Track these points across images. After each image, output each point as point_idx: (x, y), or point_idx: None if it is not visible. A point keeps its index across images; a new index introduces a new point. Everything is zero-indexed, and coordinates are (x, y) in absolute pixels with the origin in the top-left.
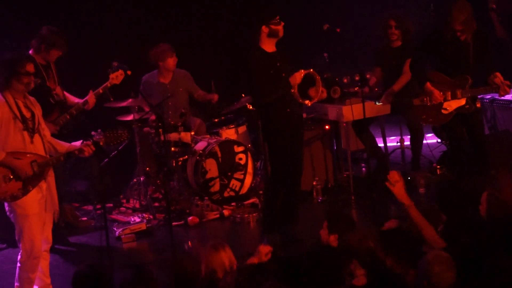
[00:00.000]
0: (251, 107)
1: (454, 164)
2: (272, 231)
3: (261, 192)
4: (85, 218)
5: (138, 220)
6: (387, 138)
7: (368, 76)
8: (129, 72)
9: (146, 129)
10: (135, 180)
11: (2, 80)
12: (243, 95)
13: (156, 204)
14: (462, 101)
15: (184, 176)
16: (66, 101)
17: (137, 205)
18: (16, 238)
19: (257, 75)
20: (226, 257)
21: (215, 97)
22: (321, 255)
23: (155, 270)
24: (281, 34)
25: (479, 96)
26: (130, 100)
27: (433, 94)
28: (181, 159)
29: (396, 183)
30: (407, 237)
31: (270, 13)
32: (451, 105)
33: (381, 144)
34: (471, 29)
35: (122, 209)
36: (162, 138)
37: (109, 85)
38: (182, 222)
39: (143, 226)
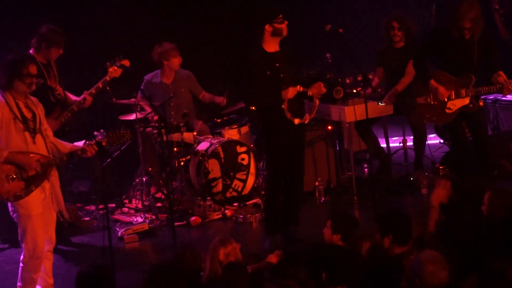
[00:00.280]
0: (253, 108)
1: (456, 164)
2: (274, 231)
3: (263, 192)
4: (87, 218)
5: (140, 220)
6: (389, 139)
7: (370, 76)
8: (127, 63)
9: (148, 129)
10: (137, 180)
11: (4, 81)
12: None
13: (159, 204)
14: (466, 100)
15: (186, 176)
16: (67, 99)
17: (140, 206)
18: (19, 238)
19: (250, 77)
20: (233, 253)
21: (224, 101)
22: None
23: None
24: (285, 33)
25: (481, 97)
26: (132, 99)
27: (438, 91)
28: (183, 159)
29: (445, 192)
30: (406, 219)
31: (274, 11)
32: (455, 104)
33: (383, 145)
34: (479, 27)
35: (125, 209)
36: (164, 138)
37: (108, 79)
38: (184, 222)
39: (146, 227)
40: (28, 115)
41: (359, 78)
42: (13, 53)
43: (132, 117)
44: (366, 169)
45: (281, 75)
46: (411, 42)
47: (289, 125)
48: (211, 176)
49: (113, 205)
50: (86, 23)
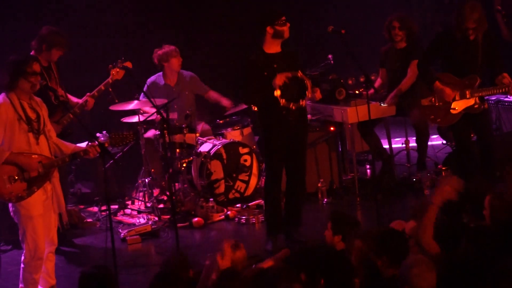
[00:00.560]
0: (256, 109)
1: (459, 165)
2: (275, 233)
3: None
4: (90, 220)
5: (143, 221)
6: (392, 140)
7: (373, 77)
8: (130, 65)
9: (148, 134)
10: (140, 181)
11: (8, 81)
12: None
13: (161, 205)
14: (471, 101)
15: (189, 177)
16: (68, 101)
17: (142, 207)
18: (20, 238)
19: (248, 76)
20: (242, 257)
21: (230, 105)
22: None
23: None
24: (286, 35)
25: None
26: (135, 102)
27: (444, 92)
28: (186, 160)
29: (450, 190)
30: (402, 240)
31: (276, 13)
32: (460, 105)
33: (386, 146)
34: (483, 28)
35: (127, 210)
36: (167, 139)
37: (110, 81)
38: (187, 223)
39: (148, 228)
40: (32, 115)
41: (362, 79)
42: (15, 53)
43: (135, 119)
44: (368, 170)
45: None
46: (413, 42)
47: (288, 125)
48: (213, 177)
49: (116, 206)
50: (88, 24)
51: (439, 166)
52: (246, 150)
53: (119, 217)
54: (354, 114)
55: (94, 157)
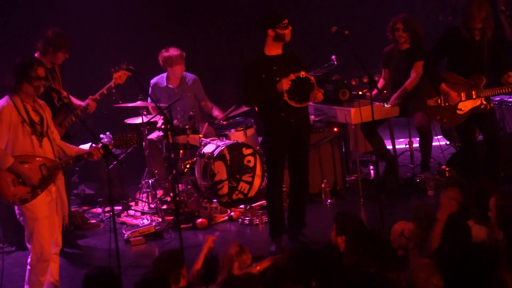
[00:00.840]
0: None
1: (464, 166)
2: (278, 234)
3: None
4: (94, 221)
5: (147, 222)
6: (395, 140)
7: (376, 78)
8: (123, 66)
9: (151, 136)
10: (143, 182)
11: (13, 84)
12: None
13: (165, 206)
14: (477, 101)
15: (192, 178)
16: (71, 103)
17: (146, 208)
18: (26, 240)
19: (248, 78)
20: (246, 259)
21: (220, 117)
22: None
23: None
24: (287, 38)
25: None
26: (139, 102)
27: (449, 95)
28: (189, 161)
29: (454, 203)
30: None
31: (278, 16)
32: (466, 105)
33: (389, 146)
34: (490, 28)
35: (131, 212)
36: (170, 141)
37: (113, 85)
38: (190, 224)
39: (152, 229)
40: (36, 118)
41: (365, 80)
42: (21, 56)
43: (138, 120)
44: (372, 171)
45: (277, 78)
46: (417, 43)
47: (289, 126)
48: (217, 178)
49: (120, 207)
50: (91, 26)
51: (442, 167)
52: (249, 151)
53: (123, 218)
54: (357, 115)
55: (97, 159)
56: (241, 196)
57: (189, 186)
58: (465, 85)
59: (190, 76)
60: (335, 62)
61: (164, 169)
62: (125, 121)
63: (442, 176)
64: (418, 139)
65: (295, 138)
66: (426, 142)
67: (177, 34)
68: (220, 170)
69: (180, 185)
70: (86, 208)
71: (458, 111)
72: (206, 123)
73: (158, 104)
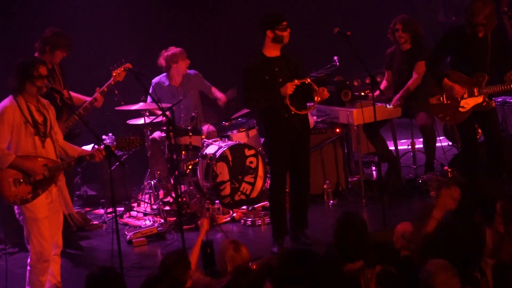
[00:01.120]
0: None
1: (465, 166)
2: (281, 236)
3: None
4: (96, 222)
5: (149, 223)
6: (398, 141)
7: (378, 79)
8: (129, 65)
9: (153, 135)
10: (146, 183)
11: (16, 84)
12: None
13: (167, 207)
14: (479, 99)
15: (194, 180)
16: (73, 102)
17: (148, 209)
18: (25, 241)
19: (249, 81)
20: (241, 259)
21: (222, 98)
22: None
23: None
24: (285, 40)
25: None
26: (141, 104)
27: (453, 88)
28: (192, 162)
29: (450, 201)
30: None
31: (277, 18)
32: (468, 103)
33: (392, 147)
34: (493, 25)
35: (133, 213)
36: (173, 142)
37: (112, 82)
38: (193, 225)
39: (154, 230)
40: (39, 119)
41: (367, 81)
42: (22, 56)
43: (141, 121)
44: (374, 172)
45: (280, 80)
46: (418, 44)
47: (291, 128)
48: (219, 179)
49: (122, 208)
50: (90, 26)
51: (445, 168)
52: (252, 152)
53: (125, 219)
54: (360, 115)
55: (99, 161)
56: (243, 197)
57: (191, 187)
58: (468, 83)
59: (191, 72)
60: (337, 63)
61: (167, 170)
62: (128, 122)
63: (445, 177)
64: (421, 139)
65: (296, 138)
66: (429, 142)
67: (178, 34)
68: (223, 171)
69: (182, 186)
70: (88, 209)
71: (460, 109)
72: (209, 124)
73: (159, 105)
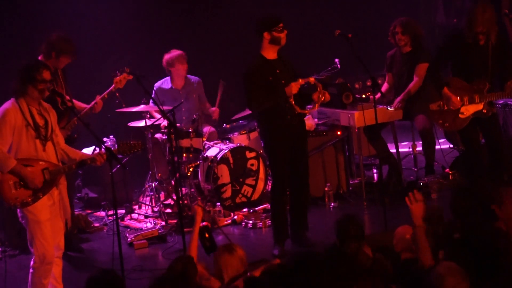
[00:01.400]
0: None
1: (469, 170)
2: (282, 239)
3: None
4: (97, 224)
5: (150, 226)
6: (399, 144)
7: (379, 81)
8: (127, 70)
9: (157, 135)
10: (147, 186)
11: (18, 87)
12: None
13: (168, 210)
14: (480, 106)
15: (196, 182)
16: (74, 106)
17: (149, 211)
18: (28, 243)
19: (252, 83)
20: (239, 260)
21: (215, 113)
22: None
23: None
24: (283, 42)
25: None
26: (142, 106)
27: (451, 99)
28: (193, 165)
29: (417, 202)
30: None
31: (273, 20)
32: (469, 110)
33: (393, 150)
34: (494, 32)
35: (134, 215)
36: (174, 144)
37: (113, 89)
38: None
39: (155, 232)
40: (41, 122)
41: (368, 83)
42: (26, 59)
43: (142, 123)
44: (375, 174)
45: (282, 81)
46: (418, 46)
47: (291, 130)
48: (220, 181)
49: (123, 211)
50: (92, 31)
51: (446, 170)
52: (253, 154)
53: (126, 222)
54: (361, 118)
55: (101, 165)
56: (244, 199)
57: (192, 190)
58: (469, 90)
59: (194, 79)
60: (339, 66)
61: (168, 172)
62: (129, 124)
63: (446, 179)
64: (421, 142)
65: (296, 141)
66: (428, 145)
67: (179, 36)
68: (224, 174)
69: (183, 188)
70: (89, 211)
71: (460, 115)
72: (210, 127)
73: (161, 108)
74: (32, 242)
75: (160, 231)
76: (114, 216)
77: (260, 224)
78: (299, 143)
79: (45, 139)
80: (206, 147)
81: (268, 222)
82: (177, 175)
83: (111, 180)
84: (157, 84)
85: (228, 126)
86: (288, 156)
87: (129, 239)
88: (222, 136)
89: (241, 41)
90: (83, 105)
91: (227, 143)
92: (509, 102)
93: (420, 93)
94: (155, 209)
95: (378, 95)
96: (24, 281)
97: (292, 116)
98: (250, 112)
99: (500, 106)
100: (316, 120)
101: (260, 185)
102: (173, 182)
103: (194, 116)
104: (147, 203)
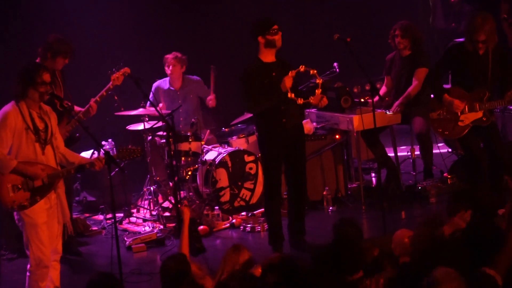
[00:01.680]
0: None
1: (468, 174)
2: (279, 241)
3: None
4: (95, 228)
5: (148, 229)
6: (397, 148)
7: (378, 85)
8: (128, 70)
9: (156, 138)
10: (145, 189)
11: (19, 90)
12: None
13: (167, 213)
14: (479, 114)
15: (194, 185)
16: (73, 108)
17: (148, 215)
18: (24, 246)
19: (250, 85)
20: (240, 260)
21: (212, 101)
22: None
23: None
24: (278, 44)
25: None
26: (140, 110)
27: (453, 103)
28: (191, 168)
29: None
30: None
31: (266, 23)
32: (468, 117)
33: (391, 154)
34: (494, 41)
35: (133, 219)
36: (172, 147)
37: (111, 86)
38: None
39: (154, 236)
40: (41, 125)
41: (367, 87)
42: (26, 62)
43: (140, 126)
44: (374, 178)
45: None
46: (418, 50)
47: (286, 133)
48: (219, 185)
49: (121, 214)
50: (91, 33)
51: (444, 174)
52: (251, 158)
53: (125, 225)
54: (360, 122)
55: (99, 170)
56: (242, 203)
57: (191, 193)
58: (468, 99)
59: (193, 79)
60: (337, 69)
61: (166, 176)
62: (127, 127)
63: (444, 183)
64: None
65: (292, 145)
66: (426, 149)
67: (179, 39)
68: (222, 177)
69: (182, 192)
70: (88, 215)
71: (460, 123)
72: (208, 130)
73: (159, 111)
74: (28, 245)
75: (158, 234)
76: (113, 220)
77: (258, 228)
78: (296, 147)
79: (45, 143)
80: (204, 150)
81: (266, 226)
82: (176, 178)
83: (109, 183)
84: (156, 84)
85: (226, 129)
86: (283, 160)
87: (127, 242)
88: (220, 139)
89: (241, 43)
90: (78, 109)
91: (226, 146)
92: (507, 106)
93: (419, 97)
94: (154, 213)
95: (376, 98)
96: (22, 284)
97: (288, 120)
98: (248, 116)
99: (498, 111)
100: (314, 124)
101: (259, 189)
102: (171, 186)
103: (192, 119)
104: (146, 206)
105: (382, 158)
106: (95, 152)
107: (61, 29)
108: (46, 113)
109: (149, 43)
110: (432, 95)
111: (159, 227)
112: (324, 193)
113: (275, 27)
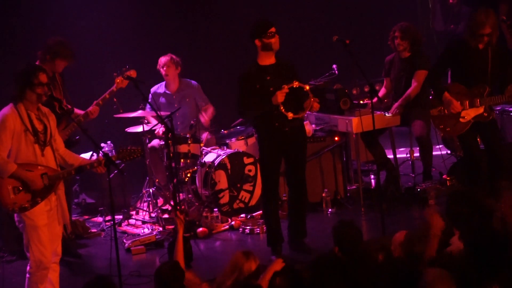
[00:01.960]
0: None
1: (467, 175)
2: (278, 243)
3: None
4: (94, 230)
5: (147, 231)
6: (397, 150)
7: (377, 87)
8: (134, 74)
9: (152, 144)
10: (144, 191)
11: (16, 92)
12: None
13: (166, 215)
14: (480, 109)
15: (193, 188)
16: (72, 111)
17: (147, 217)
18: (24, 248)
19: (243, 89)
20: (245, 266)
21: (206, 122)
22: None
23: None
24: (275, 47)
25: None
26: (139, 112)
27: (452, 103)
28: (190, 170)
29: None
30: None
31: (263, 26)
32: (469, 114)
33: (390, 156)
34: (495, 36)
35: (132, 221)
36: (171, 149)
37: (115, 89)
38: (191, 233)
39: (153, 238)
40: (39, 127)
41: (366, 89)
42: (23, 64)
43: (139, 129)
44: (373, 180)
45: (271, 89)
46: (417, 51)
47: (284, 136)
48: (218, 187)
49: (120, 216)
50: (93, 33)
51: (444, 176)
52: (250, 160)
53: (124, 227)
54: (359, 124)
55: (100, 172)
56: (242, 205)
57: (190, 195)
58: (469, 94)
59: (191, 83)
60: (336, 71)
61: (165, 178)
62: (126, 129)
63: (443, 185)
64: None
65: (290, 147)
66: (425, 152)
67: (179, 42)
68: (221, 179)
69: (181, 194)
70: (87, 217)
71: (461, 119)
72: (207, 132)
73: (158, 113)
74: (28, 247)
75: (157, 236)
76: (112, 222)
77: (257, 230)
78: (294, 149)
79: (44, 144)
80: (203, 152)
81: (266, 228)
82: (175, 180)
83: (108, 185)
84: (152, 89)
85: (226, 131)
86: (280, 162)
87: (126, 244)
88: (219, 141)
89: (241, 45)
90: (79, 111)
91: (225, 148)
92: (506, 108)
93: (418, 99)
94: (153, 215)
95: (375, 99)
96: (21, 286)
97: (281, 123)
98: (243, 119)
99: (497, 112)
100: (314, 126)
101: (258, 191)
102: (171, 188)
103: (191, 122)
104: (145, 208)
105: (381, 160)
106: (94, 154)
107: (61, 31)
108: (45, 114)
109: (149, 46)
110: (432, 94)
111: (158, 229)
112: (323, 195)
113: (272, 30)
